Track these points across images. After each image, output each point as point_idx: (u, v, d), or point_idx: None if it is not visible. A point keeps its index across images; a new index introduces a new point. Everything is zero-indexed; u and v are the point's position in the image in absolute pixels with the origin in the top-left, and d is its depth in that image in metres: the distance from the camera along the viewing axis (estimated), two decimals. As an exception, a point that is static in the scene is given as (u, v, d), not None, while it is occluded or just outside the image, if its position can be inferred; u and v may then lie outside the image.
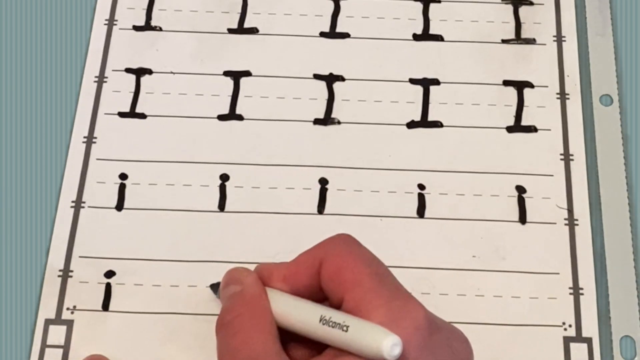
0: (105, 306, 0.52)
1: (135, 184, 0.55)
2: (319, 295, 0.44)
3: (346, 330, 0.40)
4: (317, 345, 0.43)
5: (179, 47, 0.60)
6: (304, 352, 0.43)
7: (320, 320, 0.41)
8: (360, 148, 0.56)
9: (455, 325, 0.49)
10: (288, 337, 0.44)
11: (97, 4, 0.61)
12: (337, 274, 0.43)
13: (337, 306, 0.43)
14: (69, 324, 0.51)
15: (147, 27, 0.61)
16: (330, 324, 0.41)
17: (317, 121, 0.57)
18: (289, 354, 0.43)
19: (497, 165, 0.56)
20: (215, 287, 0.50)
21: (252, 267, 0.52)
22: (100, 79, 0.59)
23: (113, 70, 0.59)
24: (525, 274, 0.52)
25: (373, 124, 0.57)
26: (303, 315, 0.43)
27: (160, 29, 0.61)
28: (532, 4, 0.61)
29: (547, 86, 0.58)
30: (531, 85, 0.58)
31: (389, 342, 0.38)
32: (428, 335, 0.40)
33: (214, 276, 0.51)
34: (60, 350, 0.50)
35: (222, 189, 0.55)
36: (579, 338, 0.51)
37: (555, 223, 0.54)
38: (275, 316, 0.43)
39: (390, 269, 0.52)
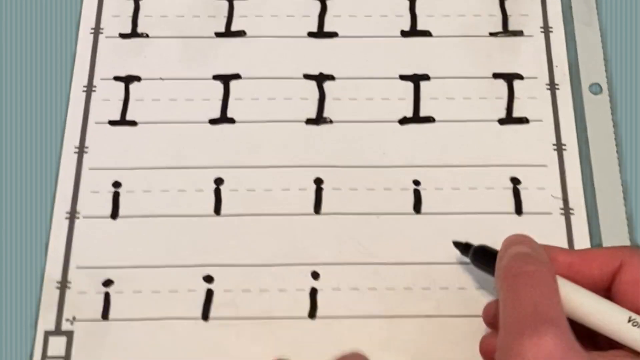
0: (105, 315, 0.51)
1: (129, 192, 0.55)
2: (598, 293, 0.43)
3: None
4: (591, 339, 0.43)
5: (166, 52, 0.60)
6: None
7: (629, 321, 0.41)
8: (353, 146, 0.56)
9: (457, 318, 0.49)
10: None
11: (82, 12, 0.61)
12: None
13: None
14: (69, 334, 0.51)
15: (134, 34, 0.60)
16: None
17: (309, 121, 0.57)
18: None
19: (490, 157, 0.56)
20: (462, 247, 0.51)
21: (251, 269, 0.52)
22: (89, 88, 0.58)
23: (101, 79, 0.59)
24: (524, 265, 0.52)
25: (365, 121, 0.57)
26: (607, 312, 0.42)
27: (147, 36, 0.60)
28: (517, -4, 0.61)
29: (536, 77, 0.58)
30: (520, 77, 0.58)
31: None
32: None
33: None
34: (61, 362, 0.50)
35: (217, 193, 0.55)
36: (578, 327, 0.51)
37: (551, 213, 0.54)
38: (565, 302, 0.42)
39: (389, 265, 0.52)
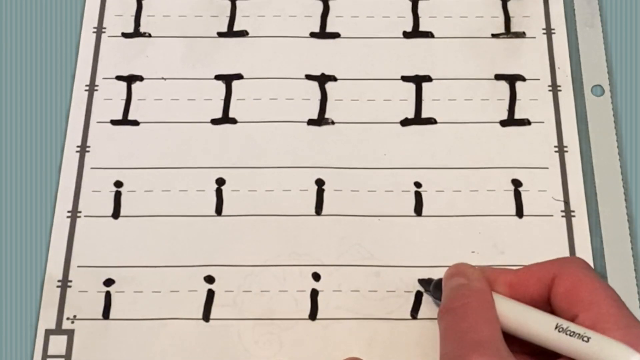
0: (106, 314, 0.51)
1: (130, 192, 0.55)
2: (542, 308, 0.45)
3: (587, 341, 0.41)
4: (534, 352, 0.44)
5: (169, 52, 0.60)
6: (521, 356, 0.44)
7: (556, 328, 0.42)
8: (355, 147, 0.56)
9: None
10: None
11: (85, 12, 0.61)
12: (573, 291, 0.43)
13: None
14: (70, 333, 0.51)
15: (136, 33, 0.60)
16: (569, 332, 0.41)
17: (311, 122, 0.57)
18: None
19: (492, 159, 0.56)
20: (425, 282, 0.51)
21: (252, 269, 0.52)
22: (91, 88, 0.59)
23: (103, 79, 0.59)
24: (525, 267, 0.53)
25: (367, 122, 0.57)
26: (536, 321, 0.43)
27: (150, 35, 0.60)
28: (520, -3, 0.61)
29: (538, 79, 0.58)
30: (523, 79, 0.58)
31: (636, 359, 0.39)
32: None
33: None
34: (62, 360, 0.50)
35: (219, 193, 0.55)
36: (579, 330, 0.51)
37: (552, 215, 0.54)
38: (501, 318, 0.44)
39: (390, 268, 0.52)
